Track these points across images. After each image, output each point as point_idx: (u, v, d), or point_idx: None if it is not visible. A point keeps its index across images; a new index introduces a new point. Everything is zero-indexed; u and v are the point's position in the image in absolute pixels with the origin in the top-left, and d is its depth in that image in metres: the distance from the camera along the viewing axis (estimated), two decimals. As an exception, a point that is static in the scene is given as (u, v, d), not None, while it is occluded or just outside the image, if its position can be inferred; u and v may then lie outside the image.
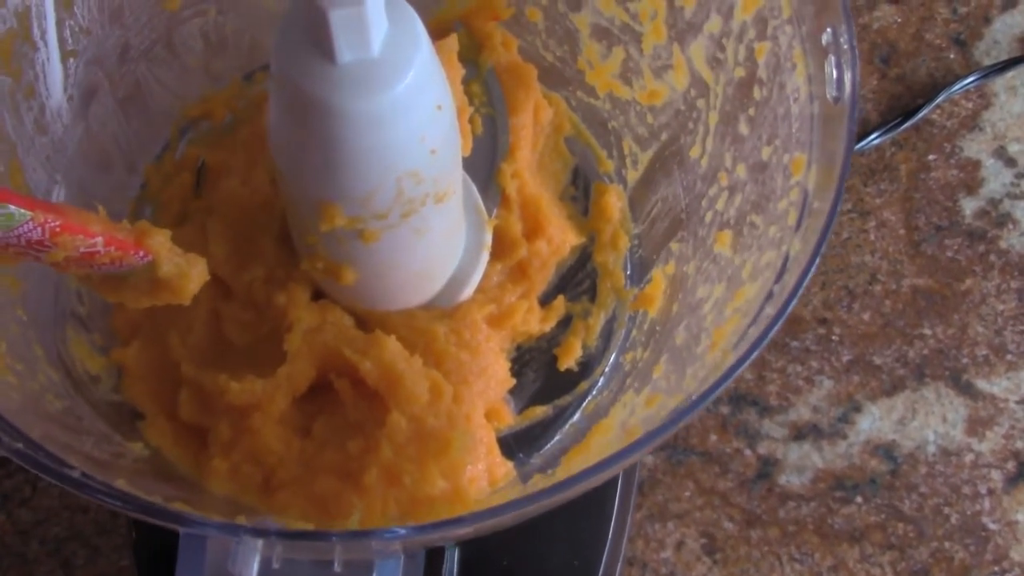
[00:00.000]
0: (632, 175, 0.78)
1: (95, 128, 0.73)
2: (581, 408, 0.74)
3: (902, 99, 0.93)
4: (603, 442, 0.67)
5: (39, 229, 0.51)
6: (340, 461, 0.66)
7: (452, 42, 0.72)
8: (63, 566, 0.81)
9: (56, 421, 0.61)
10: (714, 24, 0.68)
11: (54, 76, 0.69)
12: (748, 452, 0.84)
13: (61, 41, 0.69)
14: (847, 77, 0.58)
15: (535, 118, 0.77)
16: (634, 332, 0.75)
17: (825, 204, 0.57)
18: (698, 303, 0.67)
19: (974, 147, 0.92)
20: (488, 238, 0.73)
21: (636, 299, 0.75)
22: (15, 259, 0.54)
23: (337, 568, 0.56)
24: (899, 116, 0.91)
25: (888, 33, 0.95)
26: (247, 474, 0.67)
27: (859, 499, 0.83)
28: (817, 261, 0.55)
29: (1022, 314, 0.87)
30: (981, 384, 0.86)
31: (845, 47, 0.59)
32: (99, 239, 0.55)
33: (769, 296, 0.57)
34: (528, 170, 0.76)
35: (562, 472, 0.67)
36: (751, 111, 0.66)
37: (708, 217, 0.70)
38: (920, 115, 0.91)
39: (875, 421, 0.85)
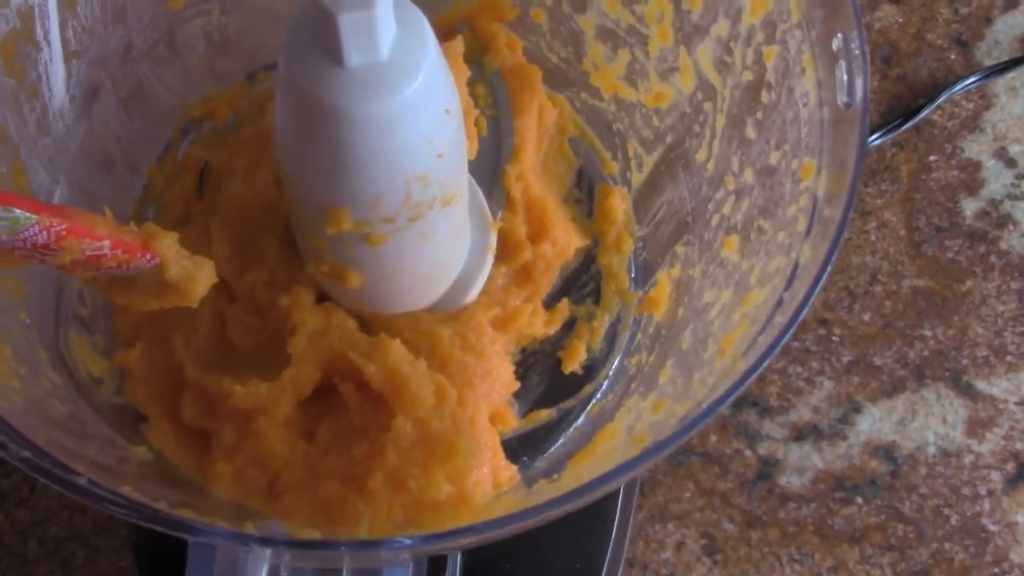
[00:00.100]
0: (637, 177, 0.78)
1: (97, 128, 0.73)
2: (585, 412, 0.74)
3: (903, 99, 0.93)
4: (609, 447, 0.67)
5: (44, 233, 0.51)
6: (345, 465, 0.66)
7: (458, 44, 0.72)
8: (62, 566, 0.80)
9: (60, 426, 0.60)
10: (722, 27, 0.68)
11: (57, 76, 0.69)
12: (748, 453, 0.84)
13: (64, 41, 0.68)
14: (858, 83, 0.58)
15: (539, 120, 0.77)
16: (639, 336, 0.75)
17: (836, 211, 0.57)
18: (704, 307, 0.67)
19: (975, 148, 0.92)
20: (493, 240, 0.73)
21: (641, 302, 0.75)
22: (20, 262, 0.53)
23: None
24: (900, 117, 0.91)
25: (889, 33, 0.95)
26: (251, 478, 0.66)
27: (859, 500, 0.83)
28: (829, 269, 0.55)
29: (1022, 315, 0.87)
30: (981, 385, 0.86)
31: (856, 52, 0.58)
32: (105, 242, 0.54)
33: (779, 303, 0.57)
34: (533, 172, 0.76)
35: (568, 477, 0.66)
36: (759, 115, 0.66)
37: (714, 221, 0.69)
38: (921, 116, 0.91)
39: (875, 422, 0.85)
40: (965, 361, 0.86)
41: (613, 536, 0.75)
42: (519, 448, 0.72)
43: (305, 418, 0.69)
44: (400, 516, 0.64)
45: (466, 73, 0.72)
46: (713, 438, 0.84)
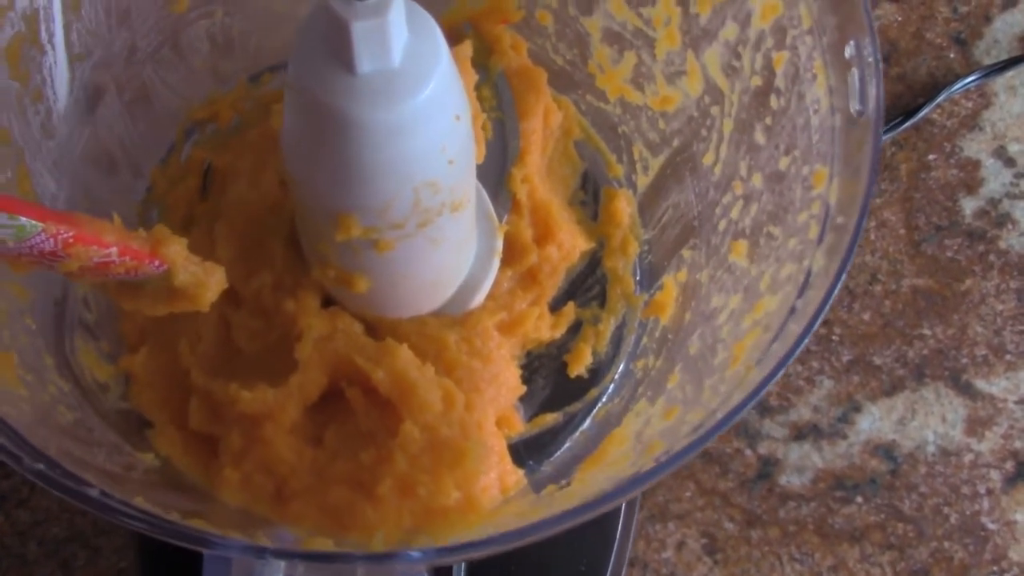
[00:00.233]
0: (642, 180, 0.78)
1: (101, 131, 0.72)
2: (591, 415, 0.74)
3: (902, 98, 0.93)
4: (618, 453, 0.66)
5: (51, 240, 0.51)
6: (352, 471, 0.66)
7: (466, 48, 0.71)
8: (63, 567, 0.80)
9: (68, 434, 0.60)
10: (730, 31, 0.67)
11: (61, 79, 0.68)
12: (748, 452, 0.84)
13: (68, 44, 0.68)
14: (871, 90, 0.58)
15: (544, 122, 0.77)
16: (644, 339, 0.74)
17: (849, 219, 0.56)
18: (713, 312, 0.67)
19: (974, 147, 0.92)
20: (499, 244, 0.73)
21: (648, 305, 0.75)
22: (28, 268, 0.53)
23: (359, 584, 0.56)
24: (899, 115, 0.91)
25: (888, 32, 0.95)
26: (259, 484, 0.66)
27: (859, 499, 0.83)
28: (844, 277, 0.55)
29: (1021, 314, 0.88)
30: (980, 384, 0.86)
31: (869, 59, 0.58)
32: (113, 249, 0.54)
33: (792, 311, 0.57)
34: (538, 175, 0.76)
35: (578, 483, 0.66)
36: (768, 120, 0.65)
37: (722, 225, 0.69)
38: (920, 115, 0.91)
39: (875, 421, 0.85)
40: (964, 360, 0.87)
41: (617, 537, 0.75)
42: (525, 452, 0.72)
43: (312, 424, 0.68)
44: (409, 522, 0.64)
45: (474, 77, 0.71)
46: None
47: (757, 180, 0.67)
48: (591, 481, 0.65)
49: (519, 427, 0.73)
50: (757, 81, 0.66)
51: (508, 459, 0.69)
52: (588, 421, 0.74)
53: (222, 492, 0.66)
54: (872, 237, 0.89)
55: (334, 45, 0.55)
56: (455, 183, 0.61)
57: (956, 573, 0.82)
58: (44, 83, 0.67)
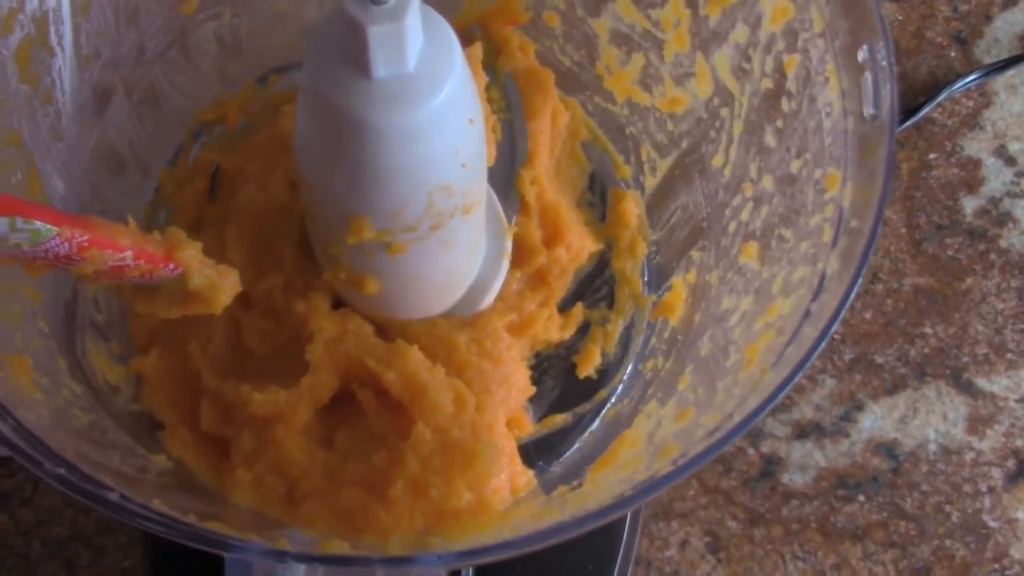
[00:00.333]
0: (650, 181, 0.78)
1: (110, 132, 0.72)
2: (600, 416, 0.74)
3: (903, 97, 0.93)
4: (630, 455, 0.66)
5: (66, 244, 0.51)
6: (364, 473, 0.66)
7: (476, 51, 0.71)
8: (66, 566, 0.80)
9: (84, 437, 0.60)
10: (740, 34, 0.67)
11: (70, 81, 0.68)
12: (751, 451, 0.84)
13: (77, 46, 0.68)
14: (885, 94, 0.58)
15: (552, 123, 0.77)
16: (653, 340, 0.75)
17: (864, 223, 0.56)
18: (723, 314, 0.67)
19: (975, 146, 0.92)
20: (508, 246, 0.73)
21: (657, 306, 0.75)
22: (42, 270, 0.53)
23: (378, 584, 0.56)
24: (900, 115, 0.91)
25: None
26: (271, 486, 0.66)
27: (861, 497, 0.84)
28: (860, 281, 0.55)
29: (1022, 313, 0.88)
30: (981, 383, 0.86)
31: (883, 63, 0.58)
32: (128, 253, 0.54)
33: (807, 315, 0.57)
34: (546, 176, 0.76)
35: (589, 484, 0.66)
36: (779, 123, 0.66)
37: (732, 227, 0.69)
38: (921, 114, 0.92)
39: (877, 420, 0.85)
40: (966, 359, 0.87)
41: (624, 537, 0.75)
42: (535, 453, 0.72)
43: (323, 425, 0.69)
44: (421, 524, 0.64)
45: (484, 80, 0.71)
46: (717, 436, 0.84)
47: (768, 182, 0.67)
48: (603, 483, 0.65)
49: (529, 428, 0.73)
50: (768, 84, 0.66)
51: (518, 460, 0.69)
52: (597, 422, 0.74)
53: (234, 493, 0.66)
54: (874, 236, 0.89)
55: (350, 50, 0.54)
56: (468, 186, 0.62)
57: (958, 571, 0.82)
58: (53, 85, 0.67)
